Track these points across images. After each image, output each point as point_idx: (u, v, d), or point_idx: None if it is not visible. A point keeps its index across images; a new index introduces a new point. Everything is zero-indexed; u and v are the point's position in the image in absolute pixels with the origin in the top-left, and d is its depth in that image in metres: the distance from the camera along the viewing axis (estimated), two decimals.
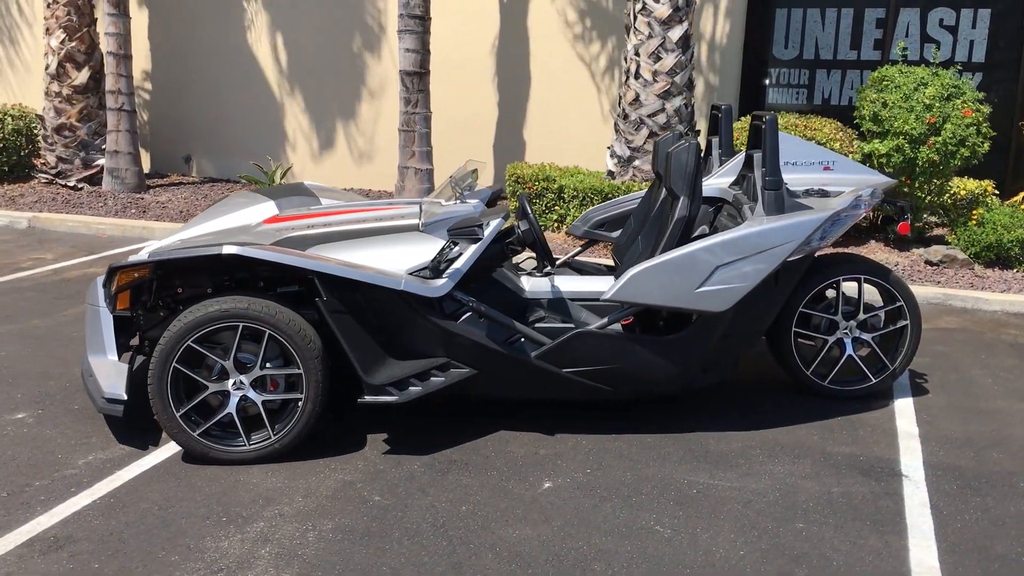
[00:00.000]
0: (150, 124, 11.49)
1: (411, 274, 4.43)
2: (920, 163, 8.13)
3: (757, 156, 4.74)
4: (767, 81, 10.50)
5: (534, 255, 4.92)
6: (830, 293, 5.25)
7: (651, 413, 4.89)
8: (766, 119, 4.60)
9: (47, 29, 10.36)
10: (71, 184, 10.42)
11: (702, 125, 9.55)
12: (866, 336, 5.17)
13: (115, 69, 10.09)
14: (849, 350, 5.17)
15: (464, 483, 4.09)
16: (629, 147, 8.59)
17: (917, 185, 8.23)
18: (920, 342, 5.48)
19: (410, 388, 4.32)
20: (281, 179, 10.49)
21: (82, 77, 10.41)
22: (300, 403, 4.18)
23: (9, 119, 10.49)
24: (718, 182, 5.36)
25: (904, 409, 5.09)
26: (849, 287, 5.40)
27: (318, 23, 10.58)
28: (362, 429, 4.62)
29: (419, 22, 9.05)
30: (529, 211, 4.69)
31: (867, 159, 8.38)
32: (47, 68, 10.39)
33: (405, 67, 9.17)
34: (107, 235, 9.00)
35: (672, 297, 4.43)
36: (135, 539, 3.55)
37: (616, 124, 8.75)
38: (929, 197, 8.30)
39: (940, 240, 8.50)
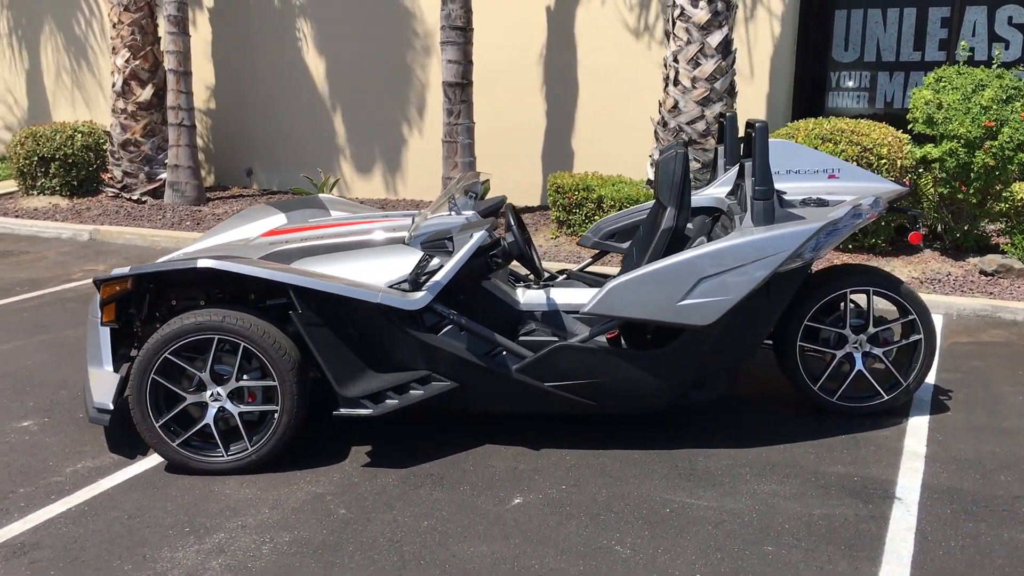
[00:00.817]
0: (214, 138, 11.82)
1: (391, 287, 4.44)
2: (975, 168, 7.76)
3: (748, 165, 4.59)
4: (826, 85, 10.20)
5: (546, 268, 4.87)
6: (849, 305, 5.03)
7: (645, 429, 4.77)
8: (756, 126, 4.45)
9: (113, 48, 10.76)
10: (135, 197, 10.79)
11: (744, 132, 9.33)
12: (877, 351, 4.95)
13: (175, 86, 10.41)
14: (859, 365, 4.96)
15: (434, 498, 4.06)
16: None
17: (972, 191, 7.86)
18: (936, 356, 5.22)
19: (387, 401, 4.31)
20: (331, 190, 10.63)
21: (146, 94, 10.77)
22: (276, 415, 4.22)
23: (79, 135, 10.93)
24: (717, 191, 5.21)
25: (917, 427, 4.85)
26: (863, 300, 5.19)
27: (366, 38, 10.72)
28: (348, 441, 4.63)
29: (460, 33, 9.09)
30: (513, 224, 4.64)
31: (920, 164, 8.05)
32: (113, 86, 10.79)
33: (447, 78, 9.21)
34: (160, 247, 9.28)
35: (653, 310, 4.32)
36: (96, 547, 3.63)
37: (656, 132, 8.61)
38: (990, 202, 7.91)
39: (997, 249, 8.10)
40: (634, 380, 4.45)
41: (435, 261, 4.51)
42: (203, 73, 11.58)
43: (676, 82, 8.31)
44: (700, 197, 5.14)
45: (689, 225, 5.00)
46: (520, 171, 10.33)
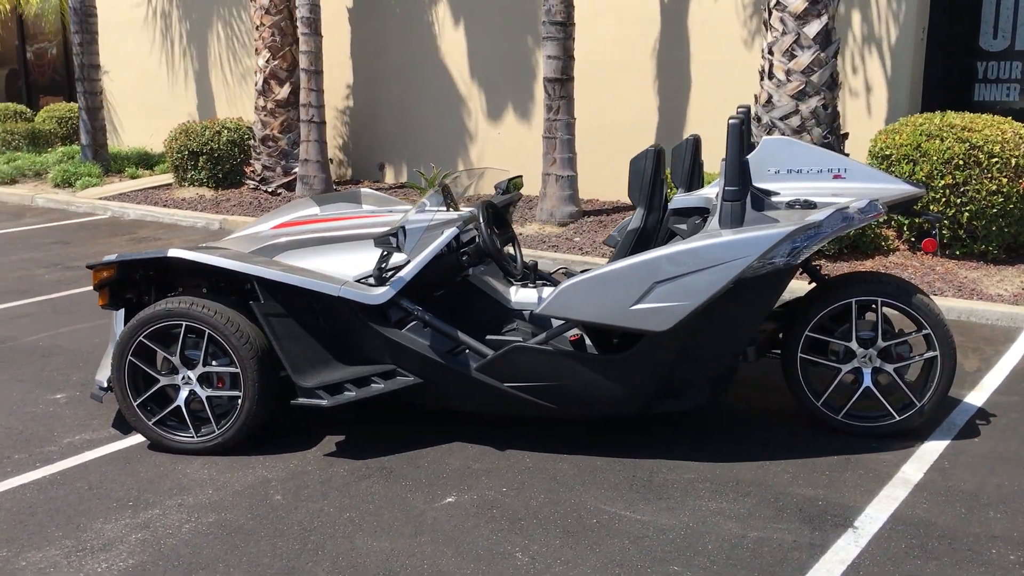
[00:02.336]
0: (352, 135, 12.31)
1: (359, 281, 4.51)
2: None
3: (722, 164, 4.33)
4: (972, 76, 9.41)
5: (566, 268, 4.80)
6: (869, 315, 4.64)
7: (631, 436, 4.61)
8: (729, 123, 4.19)
9: (256, 50, 11.44)
10: (271, 190, 11.43)
11: (853, 127, 8.70)
12: (888, 367, 4.55)
13: (307, 84, 10.93)
14: (867, 381, 4.57)
15: (371, 491, 4.11)
16: None
17: None
18: (955, 375, 4.72)
19: (344, 393, 4.38)
20: (438, 185, 10.86)
21: (283, 92, 11.38)
22: (240, 401, 4.39)
23: (226, 131, 11.69)
24: (710, 191, 4.93)
25: (927, 453, 4.42)
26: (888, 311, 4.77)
27: (495, 31, 10.81)
28: (325, 431, 4.74)
29: (560, 28, 9.02)
30: (483, 223, 4.59)
31: None
32: (256, 84, 11.47)
33: (547, 74, 9.17)
34: None
35: (604, 314, 4.16)
36: (44, 514, 3.92)
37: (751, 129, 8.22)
38: None
39: None
40: (593, 385, 4.31)
41: (401, 257, 4.54)
42: (343, 72, 12.09)
43: (771, 75, 7.90)
44: (692, 197, 4.89)
45: (682, 226, 4.77)
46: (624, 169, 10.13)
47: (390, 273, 4.47)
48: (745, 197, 4.20)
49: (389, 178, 12.07)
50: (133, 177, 12.79)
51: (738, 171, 4.18)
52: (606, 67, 10.11)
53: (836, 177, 4.58)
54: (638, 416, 4.54)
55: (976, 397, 5.14)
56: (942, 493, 4.03)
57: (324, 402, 4.33)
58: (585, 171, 9.76)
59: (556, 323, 4.66)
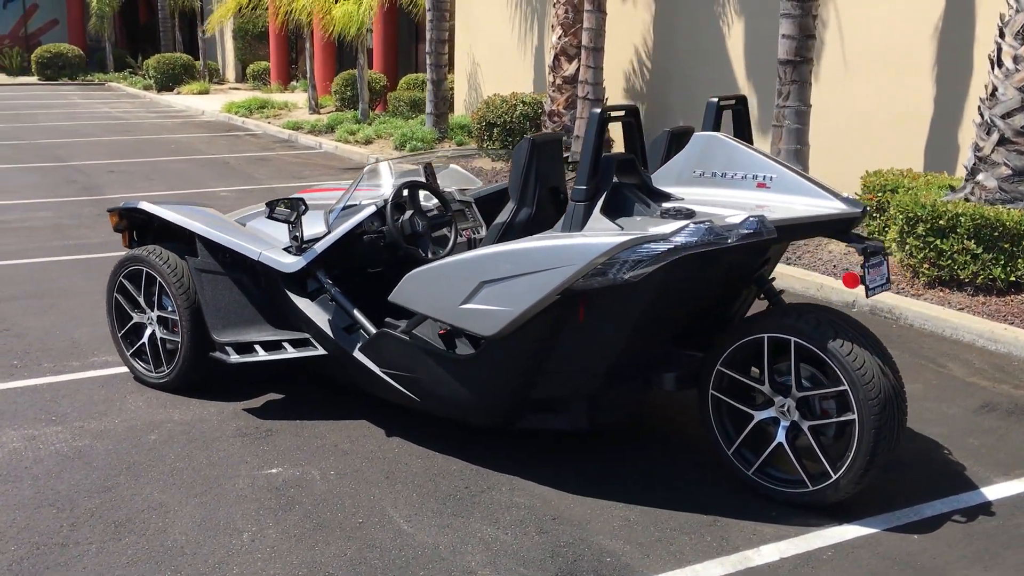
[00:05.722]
0: (646, 116, 12.09)
1: (286, 249, 4.64)
2: None
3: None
4: None
5: None
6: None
7: (578, 456, 4.27)
8: (589, 113, 3.63)
9: (551, 26, 11.69)
10: None
11: None
12: (805, 423, 3.69)
13: (586, 61, 10.96)
14: (780, 436, 3.76)
15: (234, 448, 4.25)
16: (976, 155, 6.57)
17: None
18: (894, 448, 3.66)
19: (252, 354, 4.55)
20: None
21: (571, 69, 11.51)
22: (179, 343, 4.78)
23: (521, 105, 12.14)
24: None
25: (821, 538, 3.54)
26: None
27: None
28: (300, 393, 4.95)
29: (798, 5, 8.07)
30: (389, 213, 4.44)
31: None
32: (548, 61, 11.74)
33: (780, 55, 8.26)
34: None
35: (438, 308, 3.89)
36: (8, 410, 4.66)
37: (975, 126, 6.76)
38: None
39: None
40: (443, 383, 4.04)
41: (319, 229, 4.58)
42: (637, 51, 11.89)
43: (999, 62, 6.42)
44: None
45: None
46: (866, 166, 8.80)
47: (307, 244, 4.55)
48: (596, 198, 3.64)
49: None
50: (459, 144, 13.79)
51: (590, 169, 3.63)
52: (866, 50, 8.87)
53: (760, 186, 3.77)
54: (505, 428, 4.16)
55: (998, 488, 3.94)
56: None
57: (228, 359, 4.55)
58: (830, 168, 8.69)
59: None
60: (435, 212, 4.75)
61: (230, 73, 30.12)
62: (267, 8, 20.03)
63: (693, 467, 4.11)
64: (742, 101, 4.35)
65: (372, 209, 4.53)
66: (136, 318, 5.01)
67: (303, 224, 4.52)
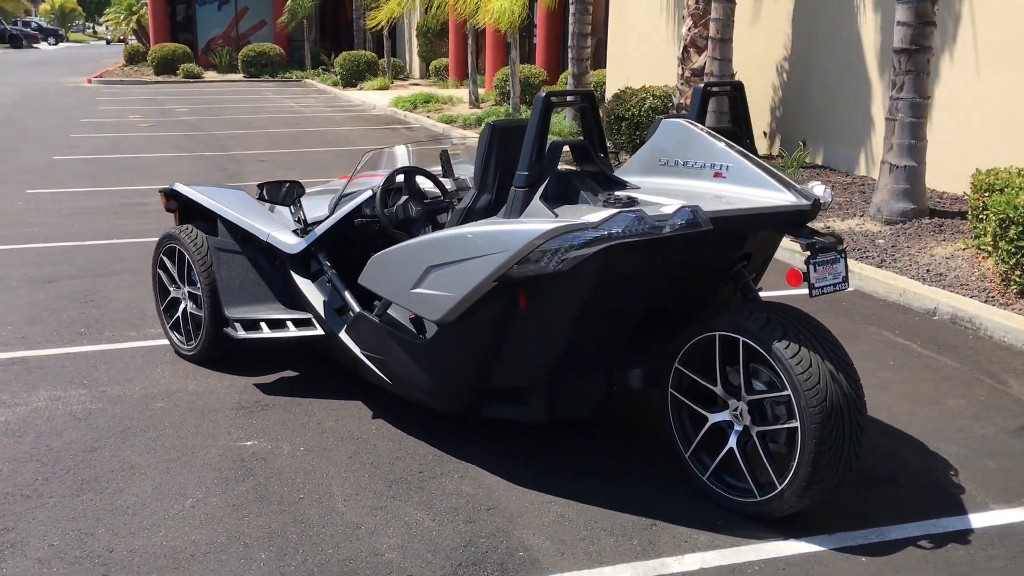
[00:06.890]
0: (782, 108, 11.56)
1: (294, 231, 4.78)
2: None
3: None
4: None
5: None
6: None
7: (564, 442, 4.23)
8: (535, 96, 3.52)
9: (682, 17, 11.38)
10: None
11: None
12: (754, 428, 3.47)
13: (712, 52, 10.60)
14: (731, 441, 3.54)
15: (223, 420, 4.44)
16: None
17: None
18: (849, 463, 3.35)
19: (258, 331, 4.72)
20: (800, 165, 9.84)
21: (700, 61, 11.16)
22: (202, 317, 5.02)
23: (651, 98, 11.88)
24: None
25: (753, 552, 3.31)
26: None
27: None
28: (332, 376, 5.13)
29: None
30: (379, 199, 4.48)
31: None
32: (676, 53, 11.44)
33: (895, 43, 7.72)
34: None
35: (393, 291, 3.91)
36: (40, 370, 5.04)
37: None
38: None
39: None
40: (406, 368, 4.06)
41: (320, 213, 4.68)
42: (781, 44, 11.40)
43: None
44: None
45: None
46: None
47: (310, 227, 4.68)
48: (538, 185, 3.53)
49: (809, 158, 11.15)
50: None
51: (532, 154, 3.54)
52: (1006, 42, 8.12)
53: (716, 175, 3.56)
54: (468, 416, 4.11)
55: (989, 516, 3.54)
56: None
57: (235, 334, 4.74)
58: (950, 162, 8.05)
59: None
60: (438, 198, 4.76)
61: (415, 70, 31.13)
62: (446, 6, 20.56)
63: (655, 468, 3.93)
64: (737, 87, 4.11)
65: (368, 194, 4.59)
66: (173, 292, 5.30)
67: (303, 208, 4.67)
